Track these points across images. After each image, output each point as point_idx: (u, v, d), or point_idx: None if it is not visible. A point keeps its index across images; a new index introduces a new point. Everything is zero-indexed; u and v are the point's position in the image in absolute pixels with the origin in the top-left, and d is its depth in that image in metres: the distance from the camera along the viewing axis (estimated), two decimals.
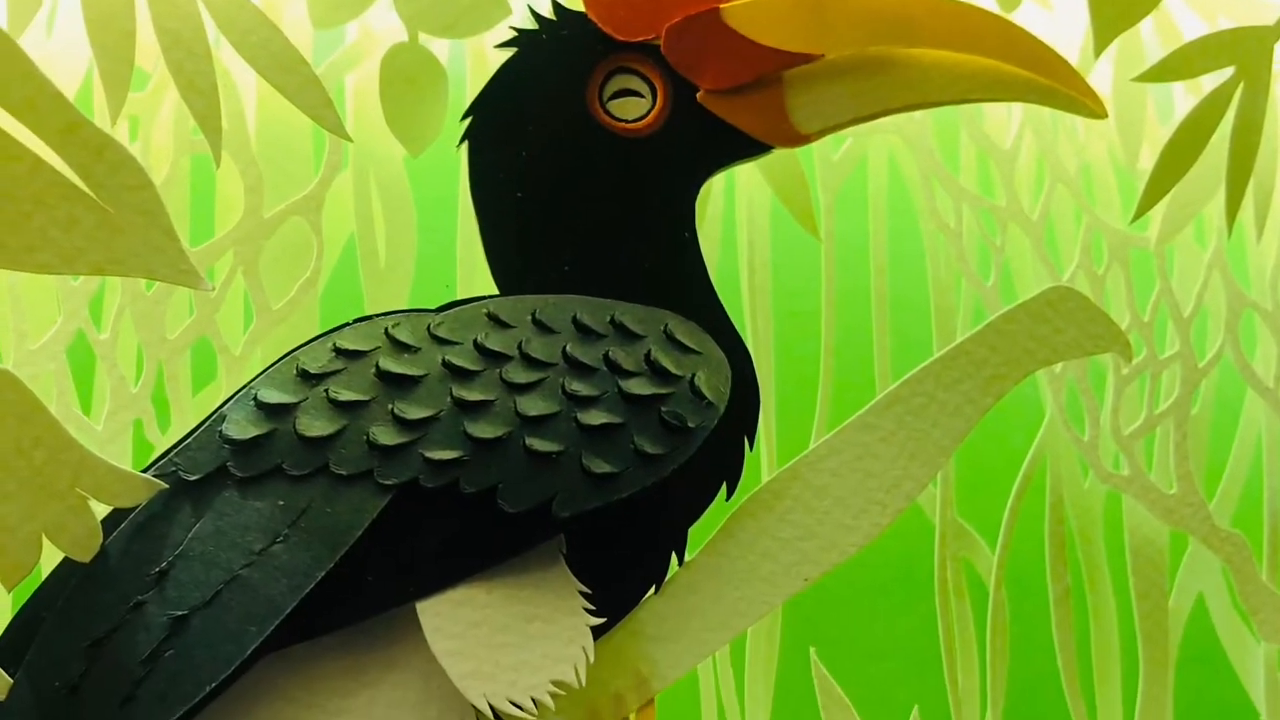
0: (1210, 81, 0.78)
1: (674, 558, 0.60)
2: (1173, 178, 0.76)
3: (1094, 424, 0.86)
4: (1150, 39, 0.85)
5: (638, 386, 0.56)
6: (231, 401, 0.56)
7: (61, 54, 0.77)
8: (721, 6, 0.60)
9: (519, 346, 0.56)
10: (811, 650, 0.72)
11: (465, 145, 0.62)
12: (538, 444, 0.55)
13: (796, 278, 0.92)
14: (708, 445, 0.57)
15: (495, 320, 0.57)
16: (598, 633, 0.57)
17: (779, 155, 0.71)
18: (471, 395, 0.55)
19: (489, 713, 0.54)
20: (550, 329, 0.57)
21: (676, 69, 0.61)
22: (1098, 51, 0.74)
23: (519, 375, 0.56)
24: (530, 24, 0.62)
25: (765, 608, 0.62)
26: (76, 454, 0.51)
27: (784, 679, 0.85)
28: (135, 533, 0.53)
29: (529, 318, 0.58)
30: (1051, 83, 0.62)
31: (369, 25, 0.79)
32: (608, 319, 0.58)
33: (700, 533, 0.61)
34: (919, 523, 0.89)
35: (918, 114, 0.86)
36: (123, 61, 0.66)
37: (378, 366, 0.56)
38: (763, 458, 0.84)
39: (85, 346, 0.75)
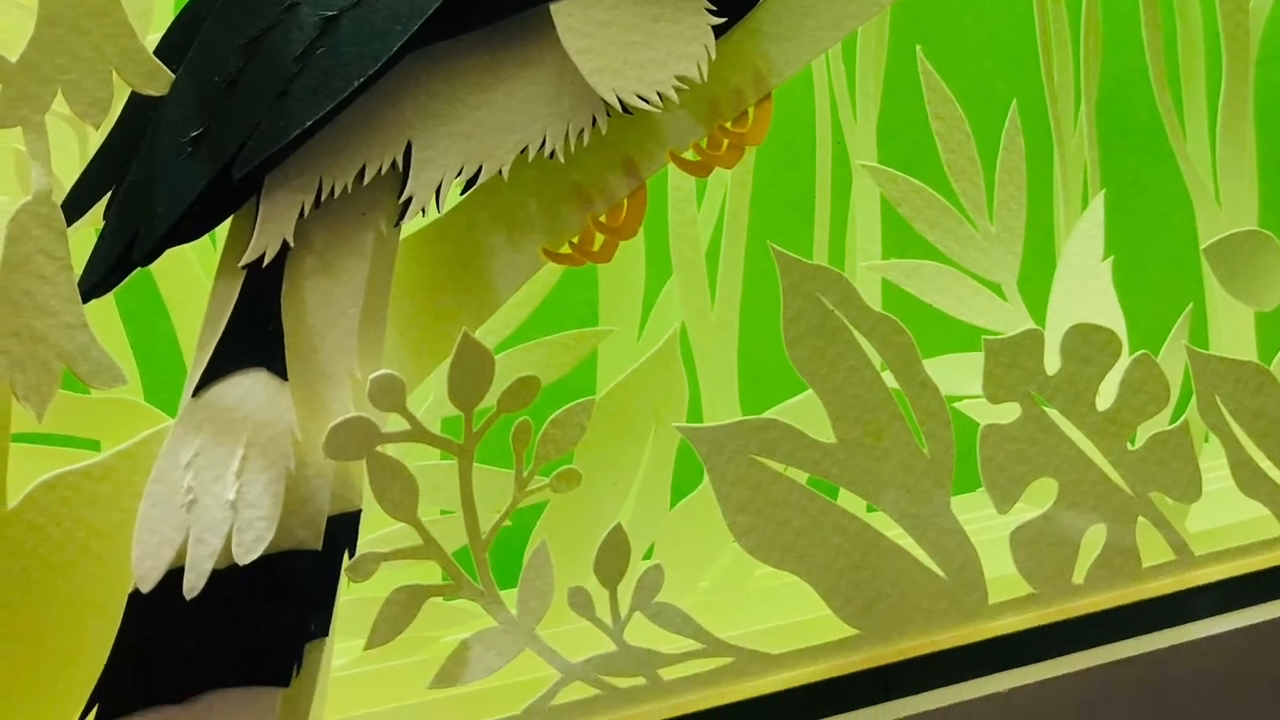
0: None
1: None
2: None
3: None
4: None
5: None
6: None
7: None
8: None
9: None
10: (918, 48, 0.72)
11: None
12: None
13: None
14: None
15: None
16: (719, 32, 0.56)
17: None
18: None
19: (618, 105, 0.54)
20: None
21: None
22: None
23: None
24: None
25: (875, 8, 0.61)
26: None
27: (892, 75, 0.84)
28: None
29: None
30: None
31: None
32: None
33: None
34: None
35: None
36: None
37: None
38: None
39: None
